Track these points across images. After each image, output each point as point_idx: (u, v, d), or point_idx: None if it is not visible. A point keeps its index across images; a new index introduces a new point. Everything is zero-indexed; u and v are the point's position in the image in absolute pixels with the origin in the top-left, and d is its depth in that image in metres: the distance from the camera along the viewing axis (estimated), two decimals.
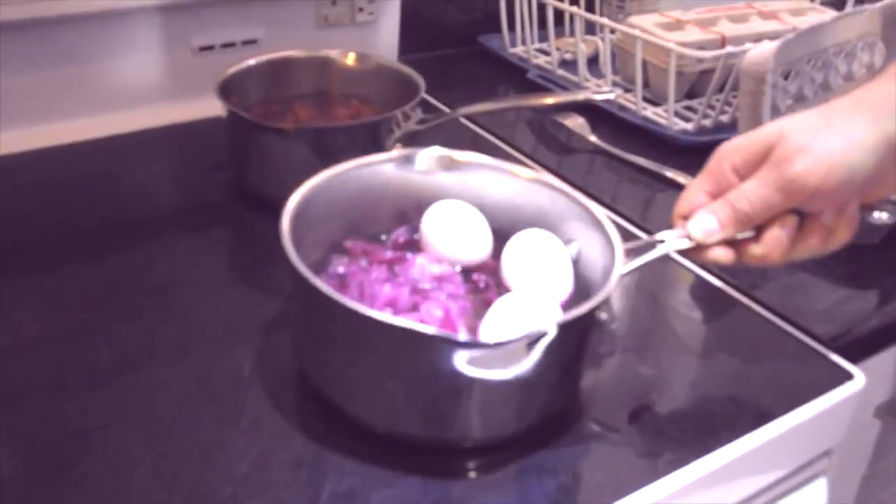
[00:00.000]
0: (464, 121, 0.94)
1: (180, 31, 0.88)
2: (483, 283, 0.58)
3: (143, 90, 0.88)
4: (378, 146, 0.73)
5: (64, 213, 0.74)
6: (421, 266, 0.57)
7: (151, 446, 0.51)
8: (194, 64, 0.89)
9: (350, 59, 0.84)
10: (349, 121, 0.78)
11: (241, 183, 0.77)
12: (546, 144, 0.92)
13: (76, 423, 0.52)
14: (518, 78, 1.06)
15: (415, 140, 0.75)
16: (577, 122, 0.93)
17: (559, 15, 1.03)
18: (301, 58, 0.83)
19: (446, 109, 0.93)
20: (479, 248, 0.59)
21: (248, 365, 0.57)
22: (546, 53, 1.07)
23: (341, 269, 0.57)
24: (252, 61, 0.80)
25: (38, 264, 0.67)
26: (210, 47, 0.89)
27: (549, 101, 0.84)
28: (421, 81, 0.78)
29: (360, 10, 0.96)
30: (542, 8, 1.04)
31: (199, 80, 0.88)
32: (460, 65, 1.11)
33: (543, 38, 1.07)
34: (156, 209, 0.76)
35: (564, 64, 1.04)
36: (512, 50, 1.10)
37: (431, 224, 0.59)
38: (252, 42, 0.91)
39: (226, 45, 0.90)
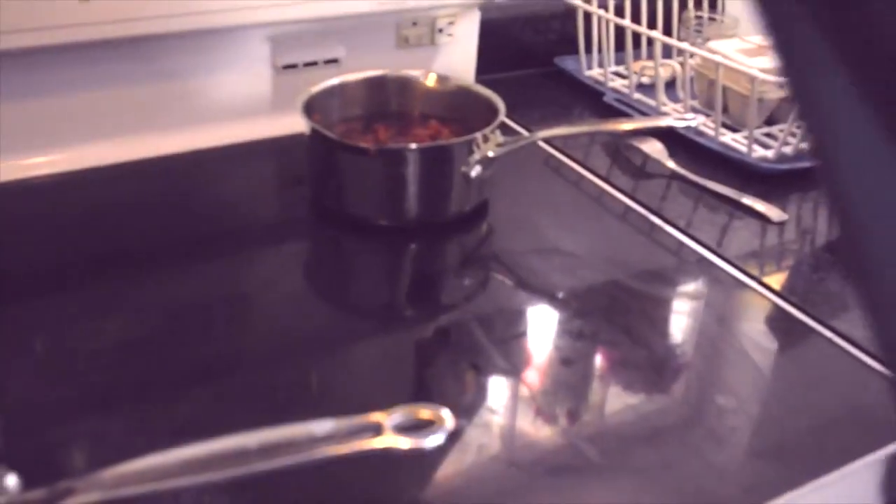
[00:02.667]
0: (544, 145, 0.94)
1: (265, 50, 0.90)
2: None
3: (229, 107, 0.90)
4: (457, 168, 0.74)
5: (154, 224, 0.77)
6: None
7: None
8: (278, 82, 0.91)
9: (431, 80, 0.85)
10: (428, 141, 0.79)
11: (322, 200, 0.79)
12: (622, 168, 0.92)
13: (157, 426, 0.54)
14: (594, 101, 1.06)
15: (493, 163, 0.76)
16: (654, 147, 0.92)
17: (637, 38, 1.03)
18: (382, 78, 0.85)
19: (522, 130, 0.94)
20: None
21: (318, 377, 0.59)
22: (623, 77, 1.07)
23: None
24: (335, 81, 0.82)
25: (130, 272, 0.70)
26: (293, 66, 0.91)
27: (631, 126, 0.84)
28: (501, 105, 0.79)
29: (440, 31, 0.98)
30: (619, 31, 1.04)
31: (282, 98, 0.91)
32: (536, 86, 1.12)
33: (620, 61, 1.08)
34: (239, 222, 0.78)
35: (641, 87, 1.04)
36: (588, 72, 1.10)
37: None
38: (334, 61, 0.93)
39: (308, 64, 0.92)
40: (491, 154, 0.75)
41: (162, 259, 0.72)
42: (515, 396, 0.59)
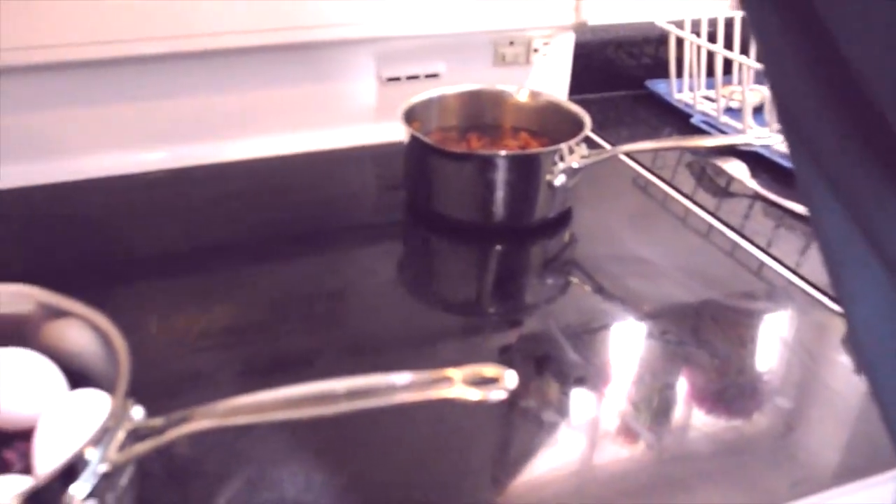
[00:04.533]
0: (624, 158, 0.98)
1: (371, 63, 0.97)
2: (14, 458, 0.48)
3: (336, 114, 0.98)
4: (542, 176, 0.79)
5: (262, 219, 0.84)
6: None
7: (317, 436, 0.57)
8: (382, 93, 0.99)
9: (523, 95, 0.91)
10: (514, 150, 0.85)
11: (416, 202, 0.85)
12: (705, 187, 0.95)
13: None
14: (682, 123, 1.10)
15: (577, 173, 0.81)
16: (737, 168, 0.95)
17: (727, 63, 1.06)
18: (478, 92, 0.91)
19: (611, 149, 0.98)
20: (37, 408, 0.48)
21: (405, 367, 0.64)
22: (712, 100, 1.10)
23: None
24: (434, 92, 0.88)
25: (237, 262, 0.77)
26: (397, 79, 0.98)
27: (709, 143, 0.87)
28: (587, 119, 0.83)
29: (536, 50, 1.03)
30: (710, 56, 1.07)
31: (385, 108, 0.98)
32: (626, 107, 1.16)
33: (710, 85, 1.11)
34: (340, 220, 0.85)
35: (729, 111, 1.07)
36: (678, 96, 1.13)
37: None
38: (434, 76, 1.00)
39: (410, 77, 0.99)
40: (575, 165, 0.80)
41: (268, 252, 0.79)
42: (590, 395, 0.63)
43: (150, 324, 0.68)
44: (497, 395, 0.41)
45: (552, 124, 0.88)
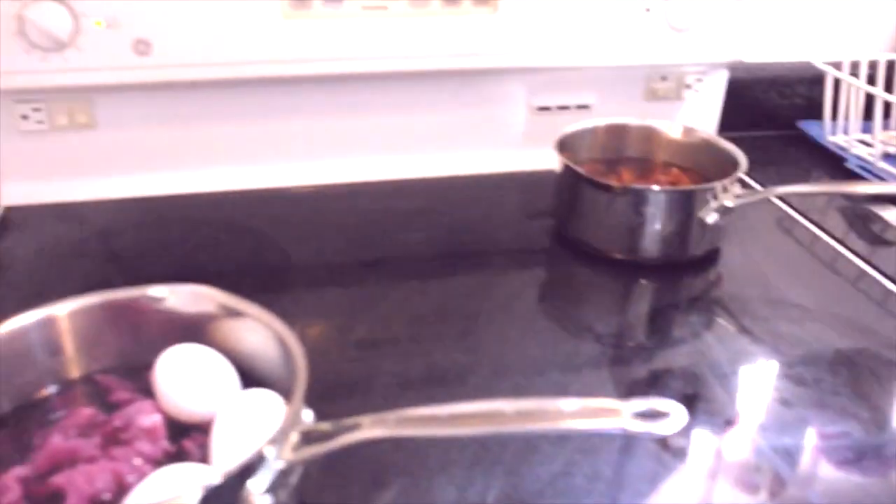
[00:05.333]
0: (775, 200, 0.96)
1: (522, 91, 0.99)
2: (193, 448, 0.50)
3: (486, 139, 1.00)
4: (695, 213, 0.79)
5: (410, 237, 0.87)
6: (127, 415, 0.51)
7: (468, 454, 0.58)
8: (532, 122, 1.00)
9: (676, 131, 0.91)
10: (667, 186, 0.84)
11: (564, 230, 0.86)
12: (858, 233, 0.92)
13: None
14: (835, 166, 1.07)
15: (730, 212, 0.80)
16: (895, 215, 0.92)
17: (887, 107, 1.03)
18: (630, 125, 0.92)
19: (758, 187, 0.97)
20: (214, 403, 0.51)
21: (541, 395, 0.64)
22: (868, 144, 1.07)
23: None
24: (588, 124, 0.89)
25: (388, 277, 0.80)
26: (547, 108, 1.00)
27: (871, 190, 0.85)
28: (742, 159, 0.82)
29: (688, 86, 1.03)
30: (868, 99, 1.04)
31: (534, 137, 0.99)
32: (776, 147, 1.14)
33: (866, 129, 1.08)
34: (485, 244, 0.87)
35: (887, 157, 1.04)
36: (831, 138, 1.10)
37: (164, 370, 0.53)
38: (585, 107, 1.01)
39: (561, 108, 1.00)
40: (729, 204, 0.79)
41: (419, 269, 0.81)
42: (741, 438, 0.62)
43: (305, 330, 0.71)
44: (665, 430, 0.41)
45: (704, 162, 0.88)
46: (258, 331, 0.53)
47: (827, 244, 0.89)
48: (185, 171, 0.93)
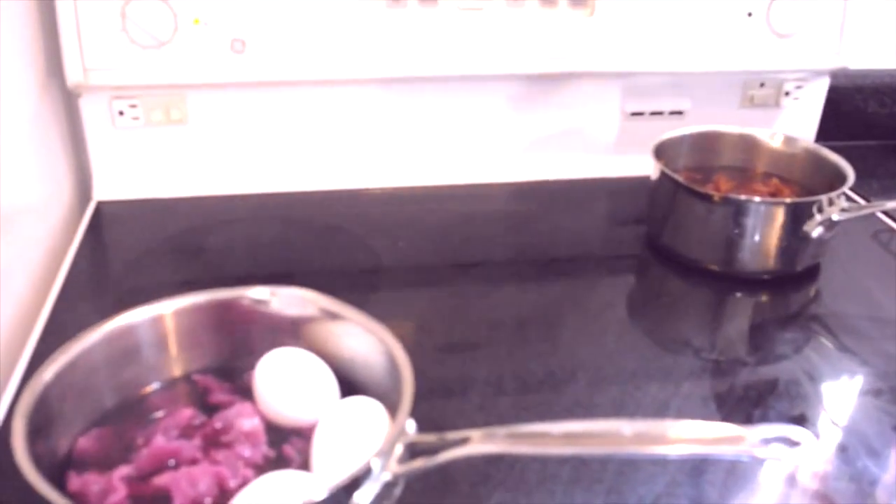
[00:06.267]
0: (880, 215, 0.93)
1: (616, 96, 0.96)
2: (293, 454, 0.49)
3: (579, 144, 0.98)
4: (797, 226, 0.76)
5: (503, 241, 0.86)
6: (227, 417, 0.50)
7: (566, 471, 0.56)
8: (624, 127, 0.98)
9: (777, 140, 0.88)
10: (768, 198, 0.81)
11: (657, 239, 0.84)
12: None
13: (510, 415, 0.61)
14: None
15: (835, 226, 0.77)
16: None
17: None
18: (729, 133, 0.89)
19: (859, 199, 0.93)
20: (314, 409, 0.51)
21: (627, 409, 0.63)
22: None
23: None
24: (685, 130, 0.87)
25: (482, 281, 0.79)
26: (640, 113, 0.97)
27: None
28: (849, 171, 0.79)
29: (787, 94, 0.99)
30: None
31: (626, 142, 0.97)
32: (877, 157, 1.09)
33: None
34: (577, 249, 0.85)
35: None
36: None
37: (265, 373, 0.52)
38: (678, 113, 0.98)
39: (654, 113, 0.98)
40: (836, 217, 0.76)
41: (509, 274, 0.80)
42: (851, 464, 0.59)
43: (396, 332, 0.70)
44: (795, 459, 0.39)
45: (806, 173, 0.85)
46: (360, 337, 0.52)
47: None
48: (276, 170, 0.93)
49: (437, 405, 0.61)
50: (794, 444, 0.40)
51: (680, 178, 0.79)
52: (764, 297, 0.79)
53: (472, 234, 0.87)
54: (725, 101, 0.99)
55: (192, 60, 0.83)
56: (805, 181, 0.84)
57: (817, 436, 0.60)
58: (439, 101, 0.93)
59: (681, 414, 0.61)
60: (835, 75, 1.01)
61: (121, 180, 0.90)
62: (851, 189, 0.94)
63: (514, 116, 0.95)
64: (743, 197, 0.77)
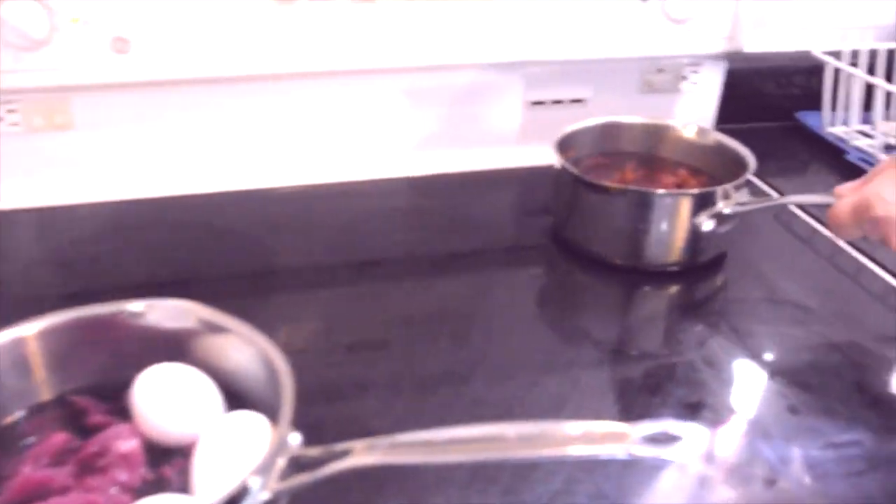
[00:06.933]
0: (772, 192, 0.94)
1: (517, 86, 0.96)
2: (172, 475, 0.47)
3: (479, 136, 0.97)
4: (692, 219, 0.76)
5: (403, 236, 0.84)
6: (103, 440, 0.48)
7: (467, 464, 0.54)
8: (526, 116, 0.97)
9: (689, 131, 0.88)
10: (674, 188, 0.82)
11: (561, 231, 0.83)
12: None
13: (406, 417, 0.59)
14: (834, 158, 1.04)
15: (729, 219, 0.77)
16: None
17: (887, 97, 1.00)
18: (638, 123, 0.89)
19: (762, 184, 0.95)
20: (196, 425, 0.49)
21: (535, 401, 0.62)
22: (868, 136, 1.05)
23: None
24: (592, 121, 0.87)
25: (384, 278, 0.77)
26: (541, 103, 0.97)
27: None
28: (752, 162, 0.79)
29: (685, 78, 1.00)
30: (868, 88, 1.02)
31: (528, 132, 0.97)
32: (775, 139, 1.11)
33: (866, 119, 1.05)
34: (480, 243, 0.84)
35: (889, 149, 1.01)
36: (830, 129, 1.08)
37: (143, 391, 0.50)
38: (579, 101, 0.98)
39: (555, 102, 0.97)
40: (727, 211, 0.76)
41: (409, 270, 0.79)
42: (746, 445, 0.60)
43: (294, 335, 0.68)
44: (677, 455, 0.39)
45: (715, 164, 0.84)
46: (242, 348, 0.50)
47: (826, 238, 0.87)
48: (169, 173, 0.90)
49: (332, 411, 0.60)
50: (676, 438, 0.39)
51: (580, 167, 0.78)
52: (667, 290, 0.79)
53: (373, 230, 0.85)
54: (625, 88, 0.99)
55: (73, 61, 0.80)
56: (712, 170, 0.84)
57: (713, 422, 0.60)
58: (334, 97, 0.91)
59: (579, 408, 0.61)
60: (731, 59, 1.02)
61: (3, 190, 0.86)
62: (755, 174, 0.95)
63: (414, 109, 0.94)
64: (636, 188, 0.78)
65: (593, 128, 0.87)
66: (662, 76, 0.99)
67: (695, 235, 0.77)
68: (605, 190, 0.77)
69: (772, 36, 1.11)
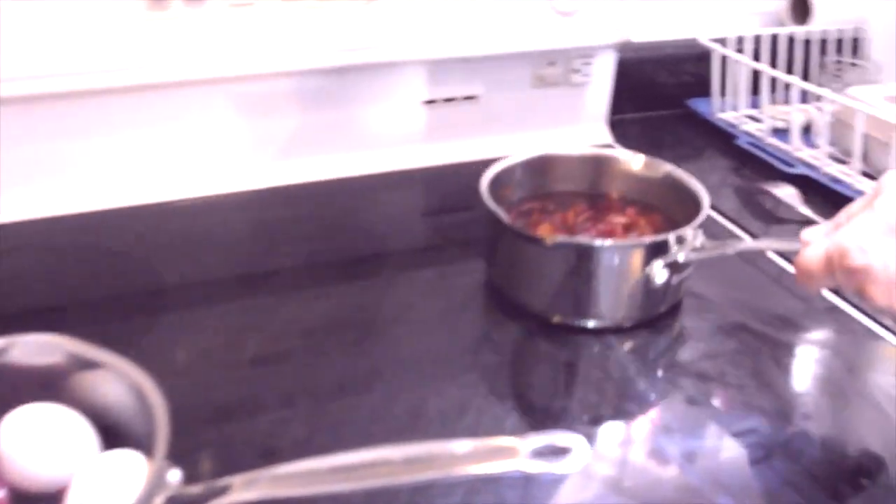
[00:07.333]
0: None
1: (408, 85, 0.94)
2: None
3: (371, 137, 0.95)
4: (646, 268, 0.67)
5: (297, 246, 0.81)
6: None
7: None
8: (420, 117, 0.95)
9: (637, 163, 0.80)
10: (621, 231, 0.75)
11: (496, 280, 0.75)
12: (753, 212, 0.91)
13: (301, 436, 0.57)
14: (725, 144, 1.06)
15: (684, 268, 0.69)
16: (787, 192, 0.92)
17: (773, 82, 1.02)
18: (575, 156, 0.82)
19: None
20: (67, 468, 0.46)
21: (456, 405, 0.61)
22: (756, 120, 1.07)
23: None
24: (521, 156, 0.78)
25: (278, 289, 0.75)
26: (433, 101, 0.95)
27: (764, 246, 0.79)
28: (704, 199, 0.72)
29: (576, 71, 1.00)
30: (755, 74, 1.04)
31: (422, 132, 0.95)
32: (668, 127, 1.12)
33: (754, 104, 1.07)
34: (377, 248, 0.82)
35: (776, 132, 1.03)
36: (720, 115, 1.10)
37: (9, 435, 0.47)
38: (472, 98, 0.97)
39: (448, 100, 0.96)
40: (682, 259, 0.68)
41: (304, 279, 0.76)
42: (636, 431, 0.60)
43: (183, 357, 0.66)
44: (566, 467, 0.38)
45: (668, 199, 0.76)
46: (115, 382, 0.47)
47: (722, 225, 0.88)
48: (37, 194, 0.84)
49: (227, 433, 0.57)
50: (565, 451, 0.38)
51: (508, 217, 0.69)
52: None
53: (269, 241, 0.82)
54: (517, 83, 0.98)
55: None
56: (665, 206, 0.77)
57: (613, 422, 0.60)
58: (223, 105, 0.87)
59: (479, 416, 0.59)
60: (621, 49, 1.03)
61: None
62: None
63: (304, 114, 0.91)
64: (570, 240, 0.69)
65: (525, 163, 0.78)
66: (554, 70, 0.99)
67: (646, 289, 0.68)
68: (533, 241, 0.68)
69: (659, 25, 1.12)
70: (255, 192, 0.91)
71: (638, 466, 0.56)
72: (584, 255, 0.67)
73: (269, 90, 0.89)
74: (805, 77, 1.09)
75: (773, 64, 1.07)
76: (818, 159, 0.96)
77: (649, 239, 0.69)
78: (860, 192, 0.90)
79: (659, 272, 0.67)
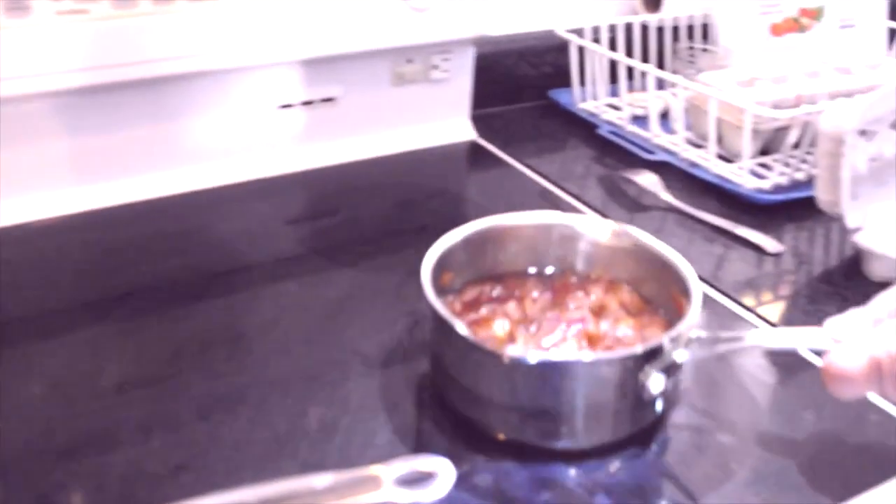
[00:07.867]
0: (526, 171, 0.94)
1: (260, 90, 0.90)
2: None
3: (225, 146, 0.91)
4: (640, 374, 0.54)
5: (151, 266, 0.77)
6: None
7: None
8: (276, 122, 0.92)
9: (603, 233, 0.67)
10: (589, 317, 0.62)
11: (441, 391, 0.61)
12: (617, 201, 0.92)
13: (157, 469, 0.54)
14: (588, 133, 1.07)
15: (679, 370, 0.56)
16: (649, 179, 0.93)
17: (630, 70, 1.04)
18: (526, 226, 0.67)
19: (515, 163, 0.95)
20: None
21: (323, 420, 0.58)
22: (617, 108, 1.08)
23: None
24: (462, 231, 0.64)
25: (129, 314, 0.70)
26: (289, 105, 0.92)
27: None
28: (695, 283, 0.59)
29: (435, 67, 0.98)
30: (613, 63, 1.05)
31: (281, 137, 0.92)
32: (530, 119, 1.12)
33: (614, 93, 1.08)
34: (238, 262, 0.78)
35: (636, 120, 1.05)
36: (582, 105, 1.11)
37: None
38: (330, 100, 0.94)
39: (305, 103, 0.93)
40: (679, 360, 0.54)
41: (163, 300, 0.72)
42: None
43: (49, 387, 0.61)
44: (433, 494, 0.36)
45: (640, 274, 0.64)
46: None
47: (587, 215, 0.88)
48: None
49: (71, 477, 0.53)
50: (430, 476, 0.36)
51: (452, 314, 0.56)
52: None
53: (127, 261, 0.77)
54: (376, 82, 0.96)
55: None
56: (639, 282, 0.65)
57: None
58: (68, 119, 0.81)
59: (348, 437, 0.57)
60: (479, 43, 1.02)
61: None
62: (508, 153, 0.95)
63: (151, 126, 0.86)
64: (532, 361, 0.54)
65: (468, 239, 0.64)
66: (412, 67, 0.97)
67: (636, 400, 0.55)
68: (488, 354, 0.54)
69: (517, 17, 1.12)
70: (95, 213, 0.85)
71: None
72: (547, 375, 0.53)
73: (113, 102, 0.83)
74: (661, 63, 1.11)
75: (629, 52, 1.08)
76: (676, 145, 0.98)
77: (643, 348, 0.54)
78: (718, 176, 0.92)
79: (653, 380, 0.54)
